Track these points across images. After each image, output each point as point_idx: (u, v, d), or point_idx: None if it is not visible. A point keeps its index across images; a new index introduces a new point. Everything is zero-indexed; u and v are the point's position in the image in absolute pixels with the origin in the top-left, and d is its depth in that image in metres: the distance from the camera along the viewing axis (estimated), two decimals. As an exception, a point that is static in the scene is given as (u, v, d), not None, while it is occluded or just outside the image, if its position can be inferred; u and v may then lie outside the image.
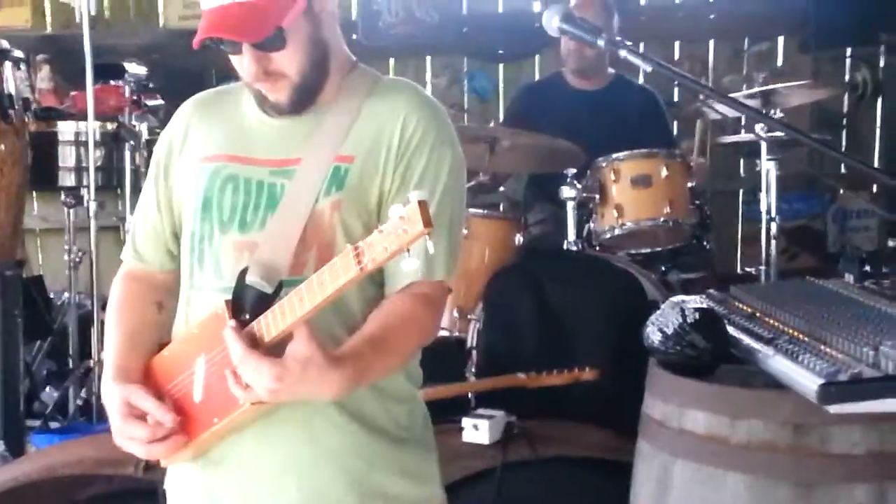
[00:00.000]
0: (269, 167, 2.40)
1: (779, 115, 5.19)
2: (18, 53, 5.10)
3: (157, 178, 2.57)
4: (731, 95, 5.32)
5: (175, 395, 2.36)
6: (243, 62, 2.34)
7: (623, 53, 2.64)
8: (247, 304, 2.25)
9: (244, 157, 2.43)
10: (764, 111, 5.06)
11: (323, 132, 2.39)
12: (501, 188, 5.72)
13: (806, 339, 3.06)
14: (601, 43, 2.65)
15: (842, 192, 7.13)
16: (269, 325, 2.17)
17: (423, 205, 1.93)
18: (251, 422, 2.30)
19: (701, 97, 5.46)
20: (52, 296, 5.85)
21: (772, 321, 3.27)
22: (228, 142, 2.47)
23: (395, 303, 2.34)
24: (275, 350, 2.14)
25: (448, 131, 2.44)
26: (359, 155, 2.36)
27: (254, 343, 2.16)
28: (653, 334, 3.27)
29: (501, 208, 5.16)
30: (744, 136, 5.39)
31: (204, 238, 2.44)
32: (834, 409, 2.76)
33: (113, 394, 2.38)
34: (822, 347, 2.96)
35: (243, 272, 2.30)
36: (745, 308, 3.45)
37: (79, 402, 5.11)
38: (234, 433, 2.33)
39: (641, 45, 7.24)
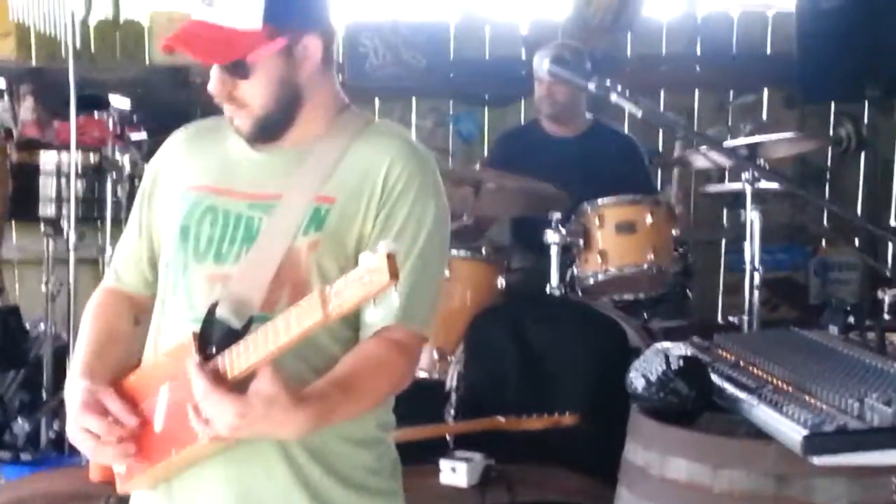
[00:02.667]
0: (249, 200, 2.40)
1: (763, 166, 5.18)
2: (1, 84, 5.07)
3: (140, 204, 2.58)
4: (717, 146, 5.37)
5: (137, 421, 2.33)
6: (211, 81, 2.36)
7: (613, 97, 2.64)
8: (214, 338, 2.24)
9: (225, 188, 2.43)
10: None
11: (306, 170, 2.38)
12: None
13: (790, 389, 3.06)
14: (591, 86, 2.64)
15: (824, 244, 7.14)
16: (233, 361, 2.16)
17: (391, 256, 1.92)
18: (209, 456, 2.28)
19: (680, 143, 5.48)
20: (27, 326, 5.79)
21: (756, 370, 3.27)
22: (212, 173, 2.46)
23: (367, 347, 2.32)
24: (238, 386, 2.13)
25: (433, 181, 2.41)
26: (340, 197, 2.35)
27: (217, 378, 2.14)
28: (636, 380, 3.26)
29: (484, 251, 5.13)
30: (728, 186, 5.40)
31: (179, 267, 2.43)
32: (818, 460, 2.76)
33: (78, 386, 2.35)
34: (807, 398, 2.96)
35: (214, 305, 2.29)
36: (729, 356, 3.45)
37: (51, 434, 5.06)
38: (193, 466, 2.31)
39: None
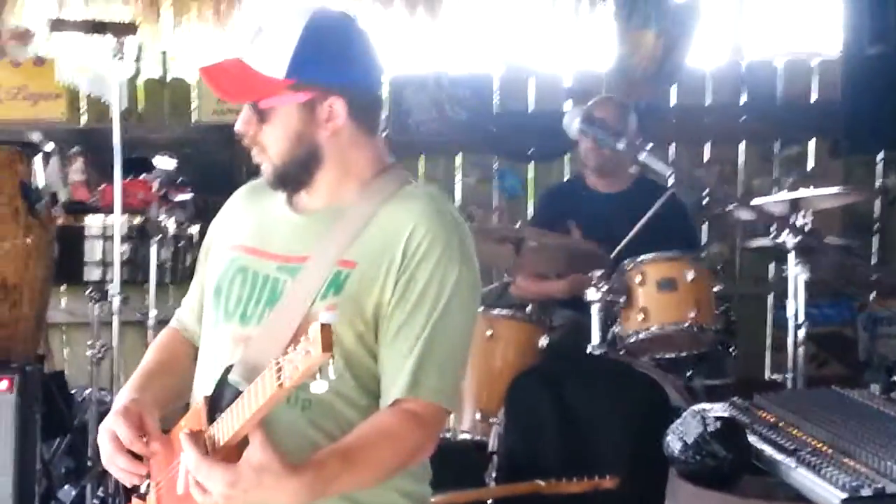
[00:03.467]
0: (278, 262, 2.41)
1: (808, 218, 5.13)
2: (49, 147, 5.13)
3: (201, 260, 2.64)
4: (761, 198, 5.33)
5: (167, 481, 2.34)
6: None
7: (642, 157, 2.62)
8: (224, 403, 2.22)
9: (260, 249, 2.45)
10: (793, 215, 5.02)
11: (333, 233, 2.38)
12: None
13: (829, 450, 3.03)
14: (621, 146, 2.63)
15: (872, 298, 7.03)
16: (221, 429, 2.16)
17: (325, 328, 1.89)
18: None
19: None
20: (74, 391, 5.82)
21: (795, 431, 3.23)
22: (252, 233, 2.49)
23: (380, 417, 2.30)
24: (236, 454, 2.12)
25: (459, 247, 2.37)
26: (361, 261, 2.33)
27: (213, 447, 2.15)
28: (673, 443, 3.24)
29: (528, 310, 5.12)
30: (766, 242, 5.32)
31: (210, 326, 2.48)
32: (856, 525, 2.71)
33: (124, 395, 2.42)
34: (846, 460, 2.93)
35: (228, 369, 2.30)
36: (768, 417, 3.41)
37: (95, 501, 5.04)
38: None
39: (672, 147, 7.25)
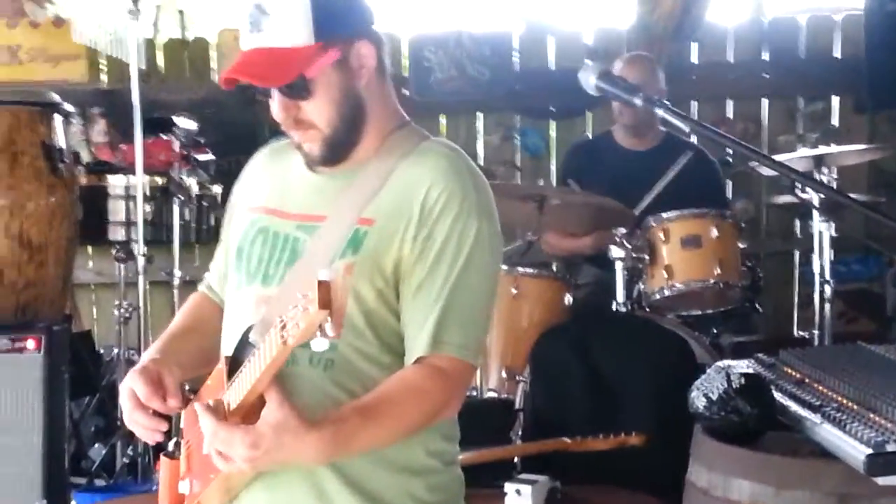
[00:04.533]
0: (297, 222, 2.39)
1: (833, 175, 5.11)
2: (69, 107, 5.11)
3: (226, 223, 2.62)
4: (785, 155, 5.30)
5: (195, 440, 2.34)
6: (274, 108, 2.35)
7: (660, 112, 2.60)
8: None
9: (279, 210, 2.44)
10: (817, 171, 5.00)
11: (351, 191, 2.36)
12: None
13: (855, 406, 3.02)
14: (638, 102, 2.61)
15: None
16: (235, 391, 2.16)
17: (322, 286, 1.88)
18: (245, 483, 2.30)
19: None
20: (101, 351, 5.85)
21: (820, 387, 3.22)
22: (272, 194, 2.48)
23: (403, 373, 2.29)
24: (255, 415, 2.12)
25: (477, 202, 2.34)
26: (379, 219, 2.31)
27: (230, 409, 2.16)
28: (697, 399, 3.24)
29: (554, 268, 5.10)
30: (792, 198, 5.29)
31: (234, 287, 2.46)
32: (882, 480, 2.71)
33: (146, 355, 2.43)
34: (871, 416, 2.92)
35: (248, 329, 2.31)
36: (793, 373, 3.40)
37: (125, 459, 5.09)
38: (248, 491, 2.32)
39: (694, 104, 7.22)
